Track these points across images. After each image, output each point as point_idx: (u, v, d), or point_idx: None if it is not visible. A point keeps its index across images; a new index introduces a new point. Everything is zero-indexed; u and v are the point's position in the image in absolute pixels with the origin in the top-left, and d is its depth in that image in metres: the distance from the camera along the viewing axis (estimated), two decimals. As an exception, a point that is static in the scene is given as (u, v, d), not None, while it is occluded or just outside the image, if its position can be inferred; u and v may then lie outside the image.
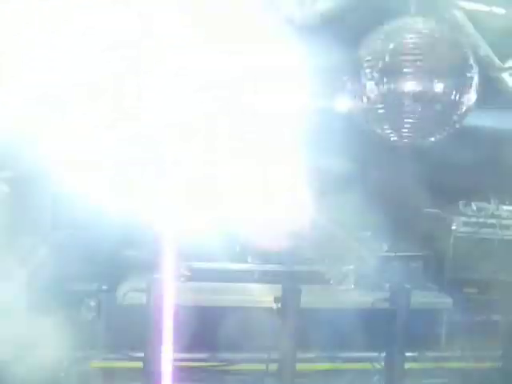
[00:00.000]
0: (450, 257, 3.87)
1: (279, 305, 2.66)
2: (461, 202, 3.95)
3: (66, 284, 3.08)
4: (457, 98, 2.25)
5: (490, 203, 3.91)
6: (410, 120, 2.40)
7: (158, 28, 2.51)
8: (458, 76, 2.25)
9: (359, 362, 3.03)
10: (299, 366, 2.78)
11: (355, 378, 2.91)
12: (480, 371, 3.06)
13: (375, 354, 2.99)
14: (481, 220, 3.85)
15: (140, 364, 2.74)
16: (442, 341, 3.58)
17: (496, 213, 3.87)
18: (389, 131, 2.52)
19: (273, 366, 2.70)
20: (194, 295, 3.40)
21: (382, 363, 2.91)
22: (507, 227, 3.89)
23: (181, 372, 2.84)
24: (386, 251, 3.90)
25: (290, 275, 3.55)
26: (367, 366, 2.98)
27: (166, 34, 2.60)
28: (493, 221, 3.85)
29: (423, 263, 3.86)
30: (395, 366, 2.75)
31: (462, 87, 2.25)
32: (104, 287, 3.29)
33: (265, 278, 3.59)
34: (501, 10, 2.49)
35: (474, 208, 3.89)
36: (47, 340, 2.94)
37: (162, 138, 3.00)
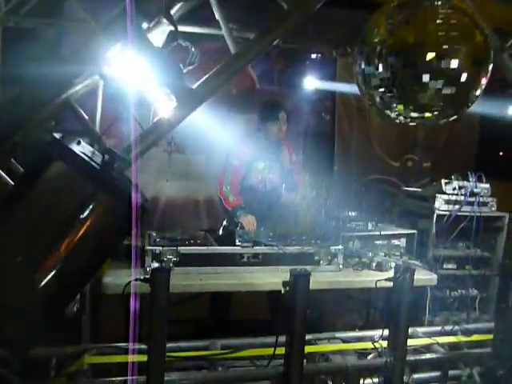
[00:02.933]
0: (432, 234, 3.98)
1: (287, 288, 2.57)
2: (443, 180, 4.05)
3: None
4: (476, 78, 2.25)
5: (468, 181, 4.05)
6: (425, 100, 2.36)
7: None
8: (478, 55, 2.24)
9: (360, 341, 3.02)
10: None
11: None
12: (472, 344, 3.16)
13: (376, 333, 2.99)
14: (461, 198, 3.97)
15: (137, 357, 2.58)
16: (429, 316, 3.70)
17: (475, 190, 4.00)
18: (400, 113, 2.47)
19: (280, 351, 2.62)
20: (184, 281, 3.26)
21: (382, 341, 2.93)
22: (484, 204, 4.04)
23: (183, 361, 2.72)
24: (371, 230, 3.94)
25: (281, 257, 3.49)
26: (368, 345, 2.98)
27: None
28: (472, 199, 3.98)
29: (407, 241, 3.93)
30: (398, 344, 2.77)
31: (482, 67, 2.24)
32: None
33: (254, 260, 3.51)
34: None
35: (456, 186, 4.00)
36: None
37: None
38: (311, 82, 6.28)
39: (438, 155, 6.57)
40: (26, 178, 1.60)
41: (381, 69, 2.39)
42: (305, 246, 3.63)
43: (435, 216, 3.99)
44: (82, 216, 1.50)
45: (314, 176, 5.95)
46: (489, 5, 2.74)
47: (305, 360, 2.73)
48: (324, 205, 4.28)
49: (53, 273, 1.51)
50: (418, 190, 4.40)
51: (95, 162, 1.61)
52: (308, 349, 2.85)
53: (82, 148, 1.69)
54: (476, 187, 4.00)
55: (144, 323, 2.36)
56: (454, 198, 4.01)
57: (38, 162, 1.54)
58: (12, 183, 1.72)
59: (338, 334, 3.12)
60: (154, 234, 3.64)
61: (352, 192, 5.52)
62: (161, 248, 3.34)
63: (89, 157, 1.62)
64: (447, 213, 3.98)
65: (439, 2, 2.34)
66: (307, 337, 2.96)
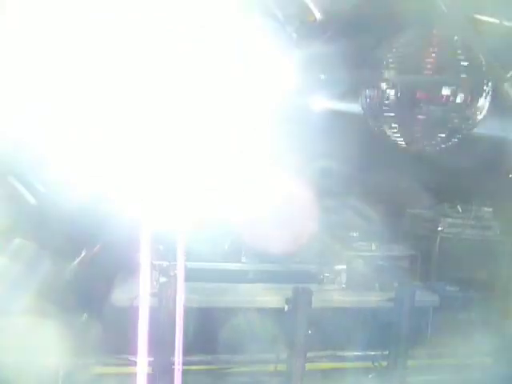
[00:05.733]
0: (436, 256, 4.02)
1: (290, 306, 2.65)
2: (446, 203, 4.11)
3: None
4: (472, 105, 2.34)
5: (472, 205, 4.10)
6: (422, 124, 2.46)
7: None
8: (474, 84, 2.33)
9: (361, 360, 3.07)
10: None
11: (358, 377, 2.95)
12: (472, 367, 3.19)
13: (376, 353, 3.04)
14: (465, 221, 4.03)
15: (144, 369, 2.65)
16: (430, 338, 3.72)
17: (478, 214, 4.06)
18: (400, 136, 2.57)
19: (281, 367, 2.68)
20: (190, 296, 3.33)
21: (383, 362, 2.98)
22: (488, 228, 4.09)
23: (186, 375, 2.78)
24: (375, 251, 3.99)
25: (286, 275, 3.56)
26: (369, 364, 3.03)
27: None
28: (475, 222, 4.04)
29: (410, 263, 3.97)
30: (398, 364, 2.82)
31: (478, 95, 2.34)
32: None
33: (259, 277, 3.58)
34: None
35: (460, 210, 4.06)
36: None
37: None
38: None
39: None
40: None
41: (383, 96, 2.50)
42: (309, 264, 3.71)
43: (439, 238, 4.05)
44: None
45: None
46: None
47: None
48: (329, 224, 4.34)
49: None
50: (423, 211, 4.45)
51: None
52: (309, 366, 2.90)
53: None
54: (479, 211, 4.07)
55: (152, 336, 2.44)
56: (458, 221, 4.07)
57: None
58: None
59: (339, 353, 3.17)
60: (162, 249, 3.72)
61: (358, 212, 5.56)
62: (168, 263, 3.42)
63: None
64: (451, 235, 4.04)
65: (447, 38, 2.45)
66: (308, 354, 3.02)
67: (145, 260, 3.30)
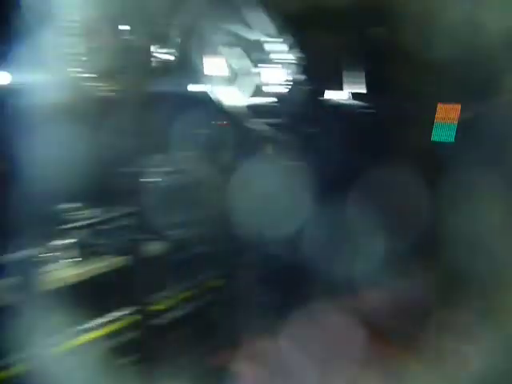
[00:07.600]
0: (153, 206, 4.22)
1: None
2: (152, 155, 4.32)
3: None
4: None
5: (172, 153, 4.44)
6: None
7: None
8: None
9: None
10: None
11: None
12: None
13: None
14: (169, 169, 4.36)
15: None
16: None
17: (178, 159, 4.43)
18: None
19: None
20: None
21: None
22: (192, 171, 4.51)
23: None
24: (95, 217, 3.99)
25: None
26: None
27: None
28: (178, 167, 4.42)
29: (133, 218, 4.10)
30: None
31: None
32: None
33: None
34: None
35: (162, 158, 4.35)
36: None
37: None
38: None
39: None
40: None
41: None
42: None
43: (149, 189, 4.22)
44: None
45: None
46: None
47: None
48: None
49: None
50: (130, 167, 4.47)
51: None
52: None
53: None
54: (181, 157, 4.46)
55: None
56: (160, 169, 4.34)
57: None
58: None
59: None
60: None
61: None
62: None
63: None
64: (157, 184, 4.28)
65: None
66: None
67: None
